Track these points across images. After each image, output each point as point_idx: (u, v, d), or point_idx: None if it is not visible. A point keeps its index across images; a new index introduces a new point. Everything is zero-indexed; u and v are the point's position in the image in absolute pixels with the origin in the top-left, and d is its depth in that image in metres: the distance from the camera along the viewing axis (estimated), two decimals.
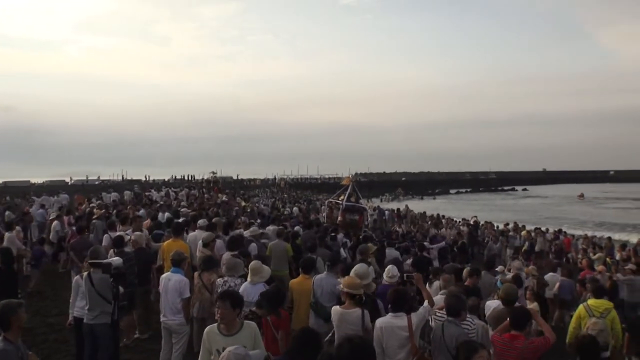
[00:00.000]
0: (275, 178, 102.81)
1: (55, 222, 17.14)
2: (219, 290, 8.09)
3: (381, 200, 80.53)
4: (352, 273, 7.42)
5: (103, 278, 7.61)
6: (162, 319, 7.99)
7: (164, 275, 8.18)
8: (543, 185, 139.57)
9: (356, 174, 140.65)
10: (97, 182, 78.32)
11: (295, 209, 32.51)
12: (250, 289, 7.59)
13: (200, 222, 12.93)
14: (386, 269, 8.83)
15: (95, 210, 18.27)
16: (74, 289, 8.14)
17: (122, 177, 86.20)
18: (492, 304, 7.87)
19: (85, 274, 7.77)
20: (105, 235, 12.65)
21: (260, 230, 13.40)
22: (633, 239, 32.77)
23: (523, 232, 26.42)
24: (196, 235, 11.78)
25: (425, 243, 16.36)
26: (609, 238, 25.52)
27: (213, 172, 63.14)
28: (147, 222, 14.81)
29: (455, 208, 57.81)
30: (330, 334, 6.96)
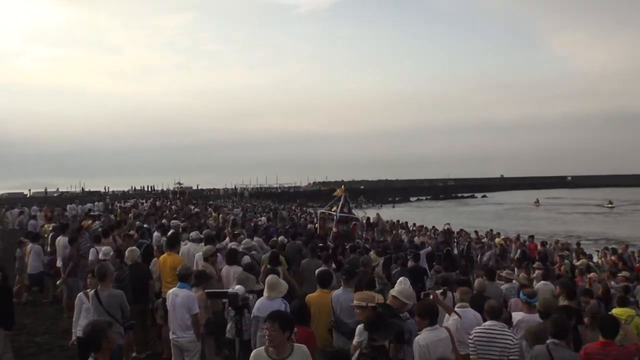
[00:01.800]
0: (235, 188, 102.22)
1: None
2: (229, 307, 7.82)
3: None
4: (395, 293, 7.18)
5: (112, 295, 7.24)
6: (171, 336, 7.64)
7: (170, 291, 7.82)
8: (501, 191, 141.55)
9: (314, 182, 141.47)
10: (56, 194, 76.66)
11: (263, 218, 32.15)
12: (267, 305, 7.27)
13: (193, 234, 12.53)
14: (398, 281, 8.59)
15: (84, 222, 17.78)
16: (77, 307, 7.78)
17: (82, 189, 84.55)
18: (518, 316, 7.72)
19: (91, 291, 7.38)
20: (92, 249, 12.17)
21: (253, 242, 13.02)
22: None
23: (497, 240, 26.60)
24: (189, 248, 11.42)
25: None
26: (578, 243, 25.78)
27: (179, 183, 62.62)
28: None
29: (418, 216, 57.85)
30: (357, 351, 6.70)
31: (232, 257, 10.05)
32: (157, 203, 37.39)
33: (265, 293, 7.44)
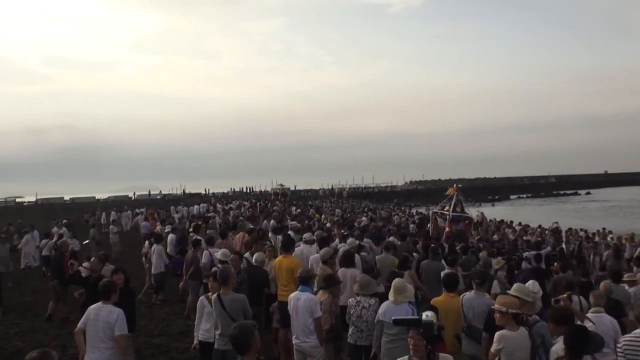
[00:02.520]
0: (332, 188, 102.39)
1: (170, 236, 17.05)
2: (351, 312, 7.52)
3: (435, 207, 78.73)
4: (514, 292, 6.71)
5: (235, 299, 7.08)
6: (294, 341, 7.40)
7: (292, 295, 7.58)
8: (606, 187, 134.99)
9: (410, 182, 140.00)
10: (159, 197, 79.35)
11: (364, 219, 31.83)
12: (393, 310, 6.92)
13: (306, 236, 12.32)
14: (527, 284, 8.02)
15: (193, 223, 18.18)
16: (199, 310, 7.68)
17: (183, 191, 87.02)
18: None
19: (214, 295, 7.25)
20: (205, 251, 12.24)
21: (358, 242, 12.67)
22: None
23: (608, 238, 25.25)
24: (302, 250, 11.23)
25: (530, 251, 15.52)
26: None
27: (280, 184, 63.44)
28: (240, 235, 14.38)
29: (520, 214, 55.76)
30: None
31: (349, 259, 9.73)
32: (260, 204, 37.73)
33: (391, 297, 7.09)
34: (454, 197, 23.16)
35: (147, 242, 16.78)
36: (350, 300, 7.70)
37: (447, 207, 23.25)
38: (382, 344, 7.00)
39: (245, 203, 42.19)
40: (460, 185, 24.75)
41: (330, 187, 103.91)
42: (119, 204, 55.92)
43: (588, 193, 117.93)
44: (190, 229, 16.95)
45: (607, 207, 79.95)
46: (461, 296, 7.72)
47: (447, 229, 21.17)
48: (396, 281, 7.23)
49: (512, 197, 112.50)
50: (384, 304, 7.13)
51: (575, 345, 4.95)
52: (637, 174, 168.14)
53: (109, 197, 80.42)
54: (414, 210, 56.28)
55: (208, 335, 7.45)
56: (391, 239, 15.42)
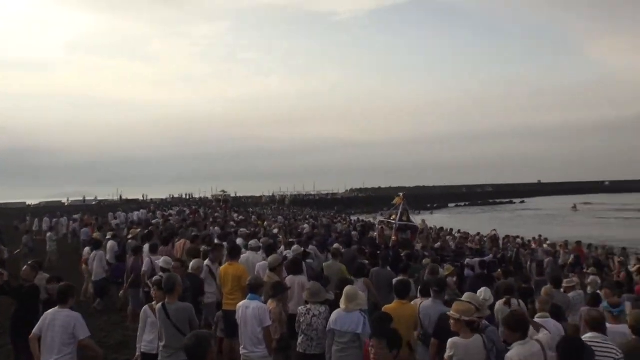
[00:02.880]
0: (273, 195, 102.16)
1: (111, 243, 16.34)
2: (301, 320, 7.31)
3: (381, 215, 79.56)
4: (467, 298, 6.63)
5: (180, 309, 6.76)
6: (242, 351, 7.14)
7: (241, 303, 7.33)
8: (539, 197, 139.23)
9: (351, 189, 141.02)
10: (94, 203, 77.30)
11: (306, 226, 31.70)
12: (345, 318, 6.76)
13: (252, 243, 12.05)
14: (479, 291, 8.00)
15: (132, 230, 17.58)
16: (142, 320, 7.31)
17: (120, 197, 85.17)
18: None
19: (158, 304, 6.91)
20: (147, 259, 11.81)
21: (303, 249, 12.47)
22: None
23: (545, 245, 25.86)
24: (248, 257, 10.94)
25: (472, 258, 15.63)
26: (624, 248, 25.04)
27: (223, 191, 62.77)
28: (181, 242, 13.99)
29: (458, 222, 56.75)
30: None
31: (297, 266, 9.55)
32: (201, 211, 37.14)
33: (342, 305, 6.89)
34: (401, 206, 23.31)
35: (86, 248, 16.12)
36: (300, 308, 7.49)
37: (393, 216, 23.42)
38: (333, 353, 6.82)
39: (186, 210, 41.37)
40: (402, 194, 24.84)
41: (272, 195, 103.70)
42: (52, 209, 53.98)
43: (522, 202, 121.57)
44: (130, 236, 16.39)
45: (540, 215, 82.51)
46: (419, 303, 7.65)
47: (393, 238, 21.28)
48: (348, 289, 7.06)
49: (450, 205, 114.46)
50: (335, 312, 6.95)
51: (570, 356, 4.90)
52: (568, 184, 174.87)
53: (40, 203, 77.78)
54: (354, 218, 56.61)
55: (151, 346, 7.12)
56: (336, 246, 15.30)
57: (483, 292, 7.84)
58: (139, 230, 17.29)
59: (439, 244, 22.62)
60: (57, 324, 6.47)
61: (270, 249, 10.68)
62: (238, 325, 8.62)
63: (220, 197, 54.98)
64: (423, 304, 7.58)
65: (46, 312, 6.72)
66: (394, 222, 22.63)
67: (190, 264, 9.71)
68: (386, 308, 7.52)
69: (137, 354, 7.37)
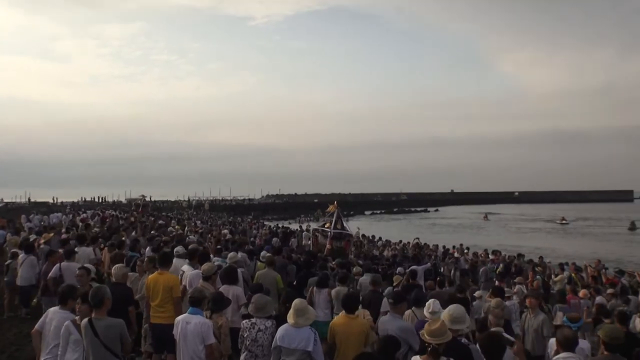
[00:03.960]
0: (189, 200, 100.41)
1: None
2: (245, 335, 6.68)
3: (298, 222, 79.49)
4: (445, 314, 6.17)
5: (110, 325, 5.99)
6: None
7: (180, 318, 6.61)
8: (452, 206, 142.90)
9: (267, 195, 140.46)
10: (0, 205, 73.58)
11: (225, 231, 30.90)
12: (293, 334, 6.19)
13: (178, 249, 11.21)
14: (427, 304, 7.57)
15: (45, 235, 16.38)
16: (63, 338, 6.32)
17: (28, 200, 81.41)
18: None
19: (83, 320, 6.09)
20: (58, 264, 10.82)
21: (239, 256, 11.76)
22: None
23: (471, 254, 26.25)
24: (175, 265, 10.09)
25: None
26: (541, 257, 25.64)
27: (142, 195, 60.73)
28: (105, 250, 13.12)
29: (375, 230, 57.30)
30: None
31: (232, 276, 8.88)
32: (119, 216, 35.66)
33: (290, 320, 6.31)
34: (335, 214, 22.95)
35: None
36: (244, 322, 6.82)
37: (327, 225, 23.02)
38: None
39: (99, 213, 39.71)
40: (335, 202, 24.48)
41: (188, 199, 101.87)
42: None
43: (437, 210, 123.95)
44: (42, 240, 15.23)
45: (454, 224, 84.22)
46: (378, 320, 7.16)
47: (328, 246, 20.94)
48: (297, 302, 6.47)
49: (366, 212, 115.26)
50: (282, 328, 6.37)
51: None
52: (480, 193, 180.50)
53: None
54: (271, 224, 56.13)
55: None
56: (265, 253, 14.69)
57: (432, 304, 7.41)
58: (52, 234, 16.08)
59: (375, 252, 22.52)
60: (53, 323, 6.55)
61: (203, 257, 9.80)
62: (168, 340, 7.98)
63: (140, 202, 53.07)
64: (381, 320, 7.10)
65: (49, 309, 6.89)
66: (328, 230, 22.22)
67: (113, 272, 8.81)
68: (334, 323, 7.02)
69: None
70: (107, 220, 31.95)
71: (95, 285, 7.03)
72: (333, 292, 9.95)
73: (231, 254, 11.48)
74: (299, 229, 39.29)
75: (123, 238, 15.33)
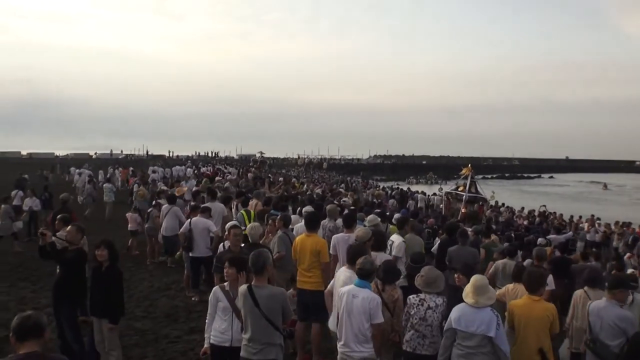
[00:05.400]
0: (299, 157, 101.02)
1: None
2: (412, 312, 5.91)
3: (408, 184, 78.34)
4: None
5: (273, 295, 5.35)
6: (342, 349, 5.71)
7: (346, 289, 5.80)
8: (566, 173, 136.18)
9: (375, 155, 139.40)
10: (121, 157, 76.84)
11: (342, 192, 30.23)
12: (472, 316, 5.35)
13: (308, 208, 10.62)
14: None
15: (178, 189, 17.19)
16: (212, 305, 5.80)
17: (146, 152, 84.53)
18: None
19: (242, 286, 5.48)
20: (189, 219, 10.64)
21: (379, 220, 10.86)
22: None
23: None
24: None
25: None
26: None
27: (261, 152, 61.49)
28: (253, 202, 13.02)
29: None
30: None
31: (381, 242, 8.16)
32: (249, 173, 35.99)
33: (470, 299, 5.45)
34: (469, 178, 21.94)
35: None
36: (411, 297, 6.04)
37: (461, 188, 22.07)
38: (453, 358, 5.44)
39: (224, 169, 40.50)
40: (469, 165, 23.47)
41: (297, 157, 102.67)
42: (79, 162, 53.44)
43: (551, 177, 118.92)
44: (176, 194, 15.44)
45: (571, 192, 80.00)
46: (588, 304, 6.20)
47: (463, 210, 19.99)
48: (478, 278, 5.60)
49: (476, 177, 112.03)
50: (459, 308, 5.52)
51: None
52: (597, 161, 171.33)
53: (68, 154, 77.79)
54: (384, 184, 55.36)
55: (223, 337, 5.68)
56: (397, 215, 13.87)
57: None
58: (185, 188, 16.32)
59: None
60: None
61: (350, 219, 8.89)
62: (315, 307, 7.44)
63: (258, 159, 53.72)
64: (593, 304, 6.13)
65: None
66: (462, 193, 21.21)
67: (249, 231, 8.11)
68: (514, 304, 6.07)
69: (206, 345, 5.89)
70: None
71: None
72: (499, 264, 9.04)
73: (370, 217, 10.61)
74: (418, 191, 38.54)
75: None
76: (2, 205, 15.45)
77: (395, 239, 9.28)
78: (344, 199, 17.92)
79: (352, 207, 13.52)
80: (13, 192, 18.86)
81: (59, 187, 24.36)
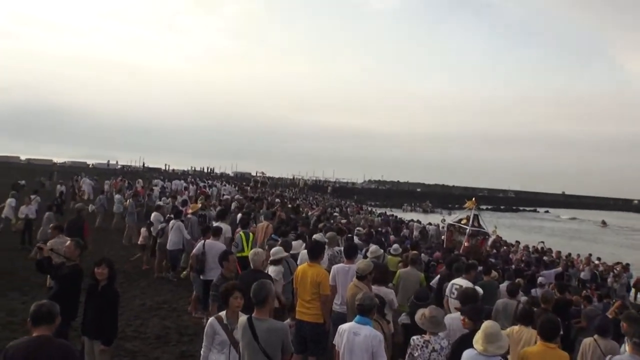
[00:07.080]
0: (293, 178, 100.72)
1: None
2: (415, 354, 5.70)
3: (403, 211, 78.30)
4: None
5: (274, 329, 5.14)
6: None
7: (347, 326, 5.59)
8: (562, 208, 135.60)
9: (369, 180, 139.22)
10: (117, 168, 76.80)
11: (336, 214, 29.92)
12: None
13: (317, 236, 10.35)
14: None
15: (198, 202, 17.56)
16: (208, 336, 5.47)
17: (143, 164, 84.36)
18: None
19: (241, 318, 5.27)
20: (202, 241, 10.45)
21: (382, 252, 10.65)
22: None
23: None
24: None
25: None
26: None
27: (262, 173, 61.70)
28: (263, 225, 13.07)
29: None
30: None
31: (385, 275, 8.00)
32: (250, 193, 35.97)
33: (479, 345, 5.19)
34: (472, 211, 21.78)
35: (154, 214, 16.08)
36: (414, 338, 5.84)
37: (464, 221, 21.85)
38: None
39: (217, 185, 40.35)
40: (474, 198, 23.39)
41: (291, 177, 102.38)
42: (77, 170, 53.44)
43: (547, 211, 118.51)
44: (190, 210, 15.77)
45: (569, 229, 79.30)
46: (607, 358, 5.92)
47: (465, 244, 19.80)
48: (489, 325, 5.35)
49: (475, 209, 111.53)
50: (468, 354, 5.28)
51: None
52: (594, 198, 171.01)
53: (65, 162, 77.86)
54: (379, 211, 55.11)
55: None
56: (395, 247, 13.63)
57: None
58: (199, 205, 17.04)
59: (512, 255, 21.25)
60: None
61: (352, 250, 8.62)
62: (312, 341, 7.28)
63: (259, 179, 53.77)
64: (617, 359, 5.84)
65: None
66: (465, 226, 21.00)
67: (252, 257, 7.77)
68: (528, 352, 5.81)
69: None
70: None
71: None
72: (499, 303, 8.82)
73: (373, 248, 10.40)
74: (413, 220, 38.32)
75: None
76: None
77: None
78: (357, 228, 17.69)
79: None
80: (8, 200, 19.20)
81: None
